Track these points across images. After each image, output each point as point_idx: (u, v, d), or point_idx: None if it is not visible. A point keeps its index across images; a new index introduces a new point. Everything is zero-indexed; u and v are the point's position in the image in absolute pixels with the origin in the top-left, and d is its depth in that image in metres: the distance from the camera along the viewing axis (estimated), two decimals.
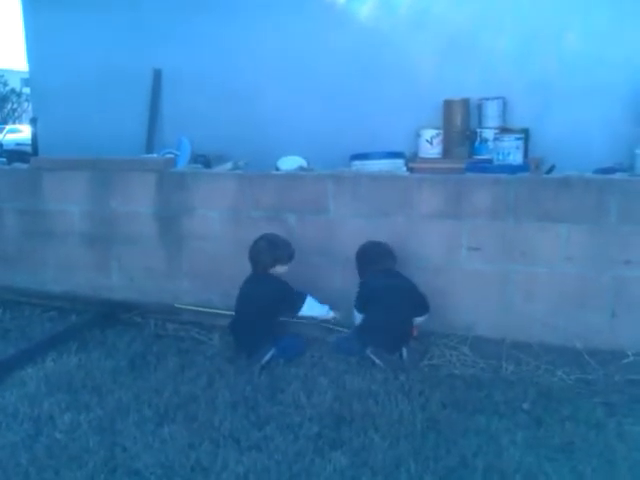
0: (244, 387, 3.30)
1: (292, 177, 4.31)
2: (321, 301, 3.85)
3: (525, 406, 3.05)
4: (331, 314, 3.87)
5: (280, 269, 3.78)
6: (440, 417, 2.96)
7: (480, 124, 5.25)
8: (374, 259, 3.75)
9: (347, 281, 3.80)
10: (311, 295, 3.80)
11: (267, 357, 3.58)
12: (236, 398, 3.19)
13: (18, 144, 12.82)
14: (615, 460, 2.62)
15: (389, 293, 3.63)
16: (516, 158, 4.65)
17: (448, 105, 5.28)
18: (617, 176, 3.97)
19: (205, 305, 4.20)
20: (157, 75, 6.06)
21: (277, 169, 4.81)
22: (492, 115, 5.21)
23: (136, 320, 4.25)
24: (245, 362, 3.57)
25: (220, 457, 2.70)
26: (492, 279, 3.78)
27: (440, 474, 2.56)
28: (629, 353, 3.49)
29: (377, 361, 3.49)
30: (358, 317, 3.77)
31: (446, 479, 2.53)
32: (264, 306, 3.69)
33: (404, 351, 3.57)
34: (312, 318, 3.86)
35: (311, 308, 3.79)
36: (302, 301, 3.76)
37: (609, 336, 3.59)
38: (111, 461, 2.71)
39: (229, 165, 4.89)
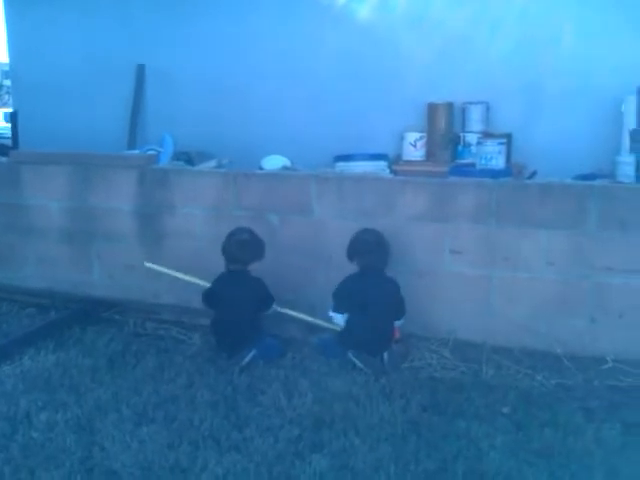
0: (224, 388, 3.28)
1: (276, 177, 4.30)
2: (306, 302, 3.86)
3: (505, 410, 3.06)
4: None
5: (254, 266, 3.74)
6: (420, 420, 2.97)
7: (464, 128, 5.27)
8: (362, 252, 3.66)
9: (330, 282, 3.77)
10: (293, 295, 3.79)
11: (248, 358, 3.56)
12: (216, 398, 3.17)
13: None
14: (593, 465, 2.64)
15: (372, 296, 3.60)
16: (498, 163, 4.68)
17: (432, 108, 5.29)
18: (597, 182, 4.01)
19: (186, 304, 4.16)
20: (140, 70, 6.00)
21: (261, 168, 4.79)
22: (475, 119, 5.23)
23: (116, 318, 4.21)
24: (226, 362, 3.55)
25: (199, 458, 2.68)
26: (474, 283, 3.80)
27: (420, 477, 2.56)
28: (608, 359, 3.52)
29: (358, 364, 3.48)
30: (337, 318, 3.69)
31: None
32: (247, 306, 3.67)
33: (385, 354, 3.57)
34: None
35: None
36: (273, 299, 3.77)
37: (589, 342, 3.62)
38: (88, 461, 2.68)
39: (212, 163, 4.86)
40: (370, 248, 3.66)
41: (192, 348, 3.78)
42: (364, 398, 3.15)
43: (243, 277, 3.73)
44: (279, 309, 3.84)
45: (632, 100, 4.64)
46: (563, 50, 5.00)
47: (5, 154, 5.13)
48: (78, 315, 4.18)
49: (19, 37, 6.45)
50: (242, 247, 3.71)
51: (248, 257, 3.71)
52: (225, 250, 3.73)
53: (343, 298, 3.66)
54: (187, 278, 4.03)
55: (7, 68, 6.96)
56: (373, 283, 3.65)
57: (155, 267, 4.14)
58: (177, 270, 4.07)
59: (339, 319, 3.69)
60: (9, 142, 7.13)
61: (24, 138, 6.54)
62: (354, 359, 3.49)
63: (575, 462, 2.66)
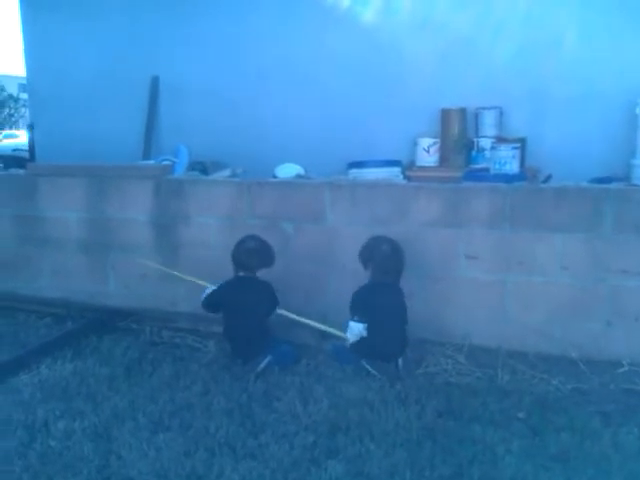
0: (240, 395, 3.29)
1: (289, 185, 4.31)
2: (318, 310, 3.87)
3: (521, 415, 3.05)
4: None
5: (263, 272, 3.76)
6: (436, 426, 2.96)
7: (477, 133, 5.26)
8: (379, 261, 3.63)
9: (343, 289, 3.78)
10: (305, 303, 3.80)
11: (263, 365, 3.58)
12: (231, 406, 3.18)
13: (15, 149, 12.78)
14: (610, 470, 2.62)
15: (387, 304, 3.60)
16: (513, 167, 4.65)
17: (445, 114, 5.29)
18: (613, 185, 3.99)
19: (201, 312, 4.18)
20: (155, 82, 6.07)
21: (274, 177, 4.81)
22: (489, 124, 5.22)
23: (132, 327, 4.24)
24: (241, 369, 3.56)
25: (215, 465, 2.69)
26: (489, 288, 3.79)
27: None
28: (624, 362, 3.49)
29: (372, 370, 3.48)
30: (358, 328, 3.57)
31: None
32: (256, 310, 3.68)
33: (400, 360, 3.57)
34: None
35: None
36: (277, 302, 3.80)
37: (605, 345, 3.60)
38: (105, 469, 2.70)
39: (227, 172, 4.89)
40: (390, 263, 3.64)
41: (207, 356, 3.81)
42: (379, 404, 3.15)
43: (250, 282, 3.76)
44: (284, 313, 3.83)
45: None
46: (575, 54, 4.98)
47: (23, 166, 5.21)
48: (95, 324, 4.22)
49: (36, 50, 6.54)
50: (249, 254, 3.74)
51: (255, 264, 3.74)
52: (234, 257, 3.77)
53: (360, 308, 3.63)
54: (186, 277, 4.08)
55: (24, 81, 7.03)
56: (387, 292, 3.64)
57: (150, 264, 4.20)
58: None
59: (361, 329, 3.57)
60: (26, 154, 7.23)
61: (41, 150, 6.64)
62: (367, 367, 3.49)
63: (592, 467, 2.64)
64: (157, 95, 6.10)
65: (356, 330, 3.58)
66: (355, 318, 3.60)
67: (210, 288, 3.85)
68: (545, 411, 3.08)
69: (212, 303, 3.82)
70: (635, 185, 4.25)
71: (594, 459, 2.70)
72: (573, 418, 3.01)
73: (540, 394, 3.26)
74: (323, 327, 3.84)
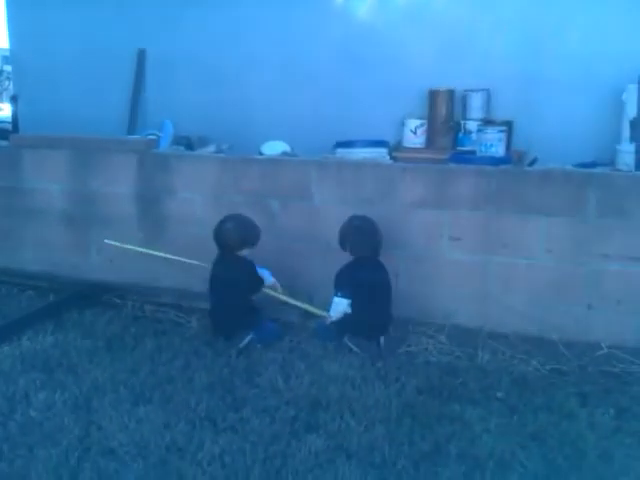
0: (221, 370, 3.30)
1: (276, 162, 4.30)
2: (303, 288, 3.88)
3: (499, 394, 3.08)
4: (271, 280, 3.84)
5: (246, 252, 3.74)
6: (415, 403, 2.99)
7: (464, 115, 5.27)
8: (362, 243, 3.63)
9: (328, 267, 3.78)
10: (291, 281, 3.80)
11: (245, 341, 3.58)
12: (213, 380, 3.19)
13: None
14: (586, 449, 2.66)
15: (372, 287, 3.61)
16: (499, 150, 4.68)
17: (433, 95, 5.29)
18: (597, 170, 4.02)
19: (184, 287, 4.17)
20: (141, 55, 5.99)
21: (261, 154, 4.79)
22: (476, 107, 5.22)
23: (115, 301, 4.22)
24: (223, 345, 3.57)
25: (196, 437, 2.70)
26: (472, 269, 3.81)
27: (414, 458, 2.58)
28: (603, 345, 3.53)
29: (354, 348, 3.51)
30: (342, 304, 3.58)
31: (420, 464, 2.55)
32: (237, 290, 3.66)
33: (382, 339, 3.59)
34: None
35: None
36: (261, 284, 3.78)
37: (585, 328, 3.63)
38: (86, 439, 2.70)
39: (212, 148, 4.86)
40: (364, 236, 3.63)
41: (190, 331, 3.81)
42: (360, 381, 3.17)
43: (233, 262, 3.72)
44: (267, 291, 3.84)
45: (633, 89, 4.63)
46: (564, 39, 5.00)
47: (5, 138, 5.14)
48: (77, 298, 4.20)
49: (19, 22, 6.44)
50: (228, 235, 3.69)
51: (234, 244, 3.70)
52: (214, 236, 3.73)
53: (345, 284, 3.63)
54: (153, 253, 4.08)
55: (7, 53, 6.92)
56: (370, 270, 3.64)
57: (114, 244, 4.19)
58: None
59: (345, 305, 3.58)
60: (9, 126, 7.14)
61: (24, 123, 6.55)
62: (350, 344, 3.52)
63: (568, 446, 2.68)
64: (143, 69, 6.04)
65: (340, 306, 3.58)
66: (339, 294, 3.60)
67: None
68: (523, 391, 3.12)
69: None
70: (619, 170, 4.29)
71: (570, 438, 2.73)
72: (551, 398, 3.05)
73: (519, 374, 3.29)
74: (304, 306, 3.86)
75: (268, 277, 3.83)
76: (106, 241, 4.22)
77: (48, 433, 2.74)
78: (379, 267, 3.67)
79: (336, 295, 3.61)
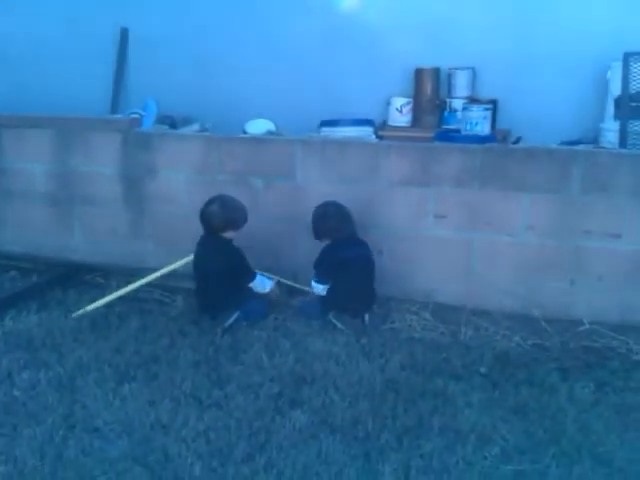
0: (206, 348, 3.31)
1: (260, 141, 4.27)
2: (288, 267, 3.87)
3: (482, 370, 3.12)
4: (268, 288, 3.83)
5: (231, 234, 3.69)
6: (399, 379, 3.02)
7: (450, 94, 5.25)
8: (337, 226, 3.65)
9: (312, 247, 3.79)
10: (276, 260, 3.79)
11: (231, 320, 3.59)
12: (198, 358, 3.20)
13: None
14: (565, 422, 2.70)
15: (355, 263, 3.62)
16: (484, 129, 4.66)
17: (419, 74, 5.27)
18: (581, 148, 4.03)
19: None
20: (124, 34, 5.91)
21: (245, 132, 4.76)
22: (461, 85, 5.21)
23: (98, 281, 4.21)
24: (208, 324, 3.57)
25: (180, 415, 2.72)
26: (456, 246, 3.82)
27: (397, 432, 2.61)
28: (585, 321, 3.57)
29: (339, 325, 3.53)
30: (318, 288, 3.67)
31: (403, 438, 2.59)
32: (218, 272, 3.63)
33: (366, 316, 3.61)
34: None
35: (260, 285, 3.78)
36: (252, 278, 3.74)
37: (567, 304, 3.67)
38: (70, 418, 2.72)
39: (196, 127, 4.83)
40: (335, 219, 3.64)
41: (175, 310, 3.81)
42: (344, 358, 3.19)
43: (216, 245, 3.67)
44: (261, 274, 3.84)
45: (617, 67, 4.62)
46: (550, 17, 4.97)
47: None
48: (60, 278, 4.18)
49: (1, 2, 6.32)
50: (211, 217, 3.63)
51: (219, 226, 3.64)
52: (200, 217, 3.68)
53: (325, 268, 3.66)
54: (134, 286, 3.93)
55: None
56: (351, 249, 3.65)
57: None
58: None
59: (320, 289, 3.67)
60: None
61: (5, 103, 6.45)
62: (335, 321, 3.54)
63: (548, 419, 2.73)
64: (126, 47, 5.96)
65: (317, 290, 3.67)
66: (315, 279, 3.67)
67: None
68: (506, 366, 3.15)
69: None
70: (603, 148, 4.31)
71: (550, 412, 2.78)
72: (533, 373, 3.09)
73: (502, 350, 3.32)
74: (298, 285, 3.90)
75: (268, 284, 3.82)
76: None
77: (32, 412, 2.75)
78: (360, 244, 3.69)
79: (313, 279, 3.68)
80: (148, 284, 3.93)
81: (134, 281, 3.91)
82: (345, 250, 3.63)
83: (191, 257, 3.79)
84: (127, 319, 3.64)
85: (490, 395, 2.90)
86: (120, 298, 3.88)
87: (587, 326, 3.54)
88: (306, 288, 3.83)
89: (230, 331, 3.51)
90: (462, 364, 3.16)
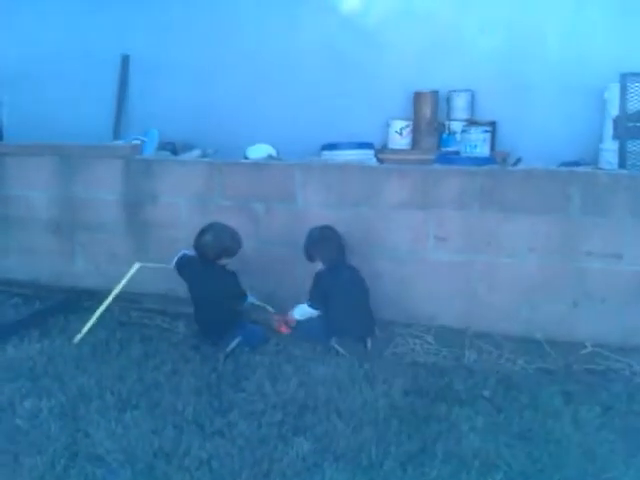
0: (208, 374, 3.30)
1: (260, 166, 4.29)
2: (287, 292, 3.89)
3: (486, 394, 3.10)
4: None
5: (225, 260, 3.71)
6: (402, 404, 3.00)
7: (449, 116, 5.30)
8: (333, 249, 3.69)
9: (312, 271, 3.79)
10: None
11: (233, 345, 3.58)
12: (200, 385, 3.19)
13: None
14: (570, 446, 2.68)
15: (347, 287, 3.64)
16: (483, 151, 4.71)
17: (418, 97, 5.32)
18: (580, 169, 4.05)
19: (170, 293, 4.16)
20: (125, 61, 5.99)
21: (246, 158, 4.79)
22: (460, 107, 5.26)
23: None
24: (210, 350, 3.56)
25: (183, 443, 2.70)
26: (457, 269, 3.82)
27: (401, 459, 2.59)
28: (587, 344, 3.56)
29: (341, 350, 3.51)
30: (309, 313, 3.70)
31: (407, 464, 2.56)
32: (215, 298, 3.66)
33: (368, 340, 3.61)
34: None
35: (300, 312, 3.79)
36: (244, 299, 3.79)
37: (570, 327, 3.66)
38: (72, 447, 2.70)
39: (197, 153, 4.86)
40: (329, 242, 3.70)
41: (177, 336, 3.80)
42: (347, 383, 3.18)
43: (212, 272, 3.69)
44: (254, 301, 3.90)
45: (615, 87, 4.65)
46: (548, 39, 5.04)
47: None
48: (62, 305, 4.18)
49: (3, 27, 6.39)
50: (205, 247, 3.67)
51: (213, 255, 3.67)
52: (194, 246, 3.71)
53: (320, 295, 3.67)
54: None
55: None
56: (343, 274, 3.68)
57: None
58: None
59: (310, 313, 3.70)
60: None
61: (9, 130, 6.50)
62: (337, 346, 3.52)
63: (553, 444, 2.70)
64: (127, 74, 6.02)
65: (307, 313, 3.70)
66: (309, 303, 3.68)
67: (182, 252, 3.84)
68: (510, 390, 3.14)
69: (180, 265, 3.81)
70: (602, 169, 4.33)
71: (555, 436, 2.75)
72: (536, 397, 3.07)
73: (505, 373, 3.31)
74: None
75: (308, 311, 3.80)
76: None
77: (34, 441, 2.73)
78: (350, 270, 3.71)
79: (307, 302, 3.70)
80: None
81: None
82: (337, 275, 3.65)
83: (138, 265, 3.85)
84: (128, 345, 3.63)
85: (494, 420, 2.88)
86: (122, 324, 3.89)
87: (590, 349, 3.53)
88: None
89: (232, 356, 3.51)
90: (466, 388, 3.15)
